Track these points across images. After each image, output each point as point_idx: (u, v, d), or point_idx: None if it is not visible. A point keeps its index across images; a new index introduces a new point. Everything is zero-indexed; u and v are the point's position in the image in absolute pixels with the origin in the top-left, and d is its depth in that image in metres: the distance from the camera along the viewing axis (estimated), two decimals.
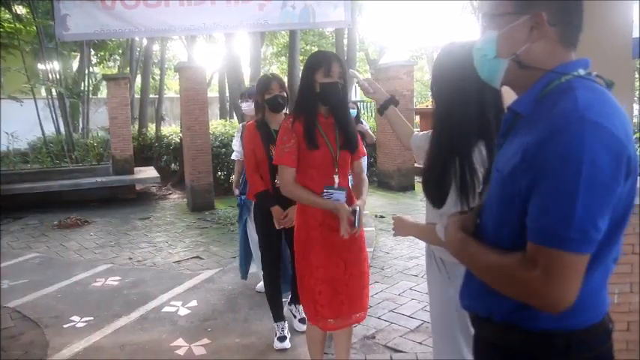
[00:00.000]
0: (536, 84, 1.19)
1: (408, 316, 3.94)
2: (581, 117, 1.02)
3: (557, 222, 1.02)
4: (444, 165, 1.74)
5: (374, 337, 3.61)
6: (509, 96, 1.35)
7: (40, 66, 11.86)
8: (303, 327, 3.54)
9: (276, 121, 3.35)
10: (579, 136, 1.00)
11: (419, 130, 11.65)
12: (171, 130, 13.60)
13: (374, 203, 8.72)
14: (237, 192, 4.56)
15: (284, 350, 3.45)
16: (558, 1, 1.17)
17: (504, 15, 1.21)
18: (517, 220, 1.14)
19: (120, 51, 16.15)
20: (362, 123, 6.81)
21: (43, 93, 12.04)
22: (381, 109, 2.41)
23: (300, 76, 2.77)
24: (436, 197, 1.79)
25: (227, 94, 15.14)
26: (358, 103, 15.68)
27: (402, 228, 2.05)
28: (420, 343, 3.49)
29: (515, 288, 1.11)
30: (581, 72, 1.15)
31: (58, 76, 11.11)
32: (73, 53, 13.81)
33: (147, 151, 13.02)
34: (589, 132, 1.00)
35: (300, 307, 3.66)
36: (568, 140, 1.01)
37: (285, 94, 3.37)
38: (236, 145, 4.59)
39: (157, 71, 18.24)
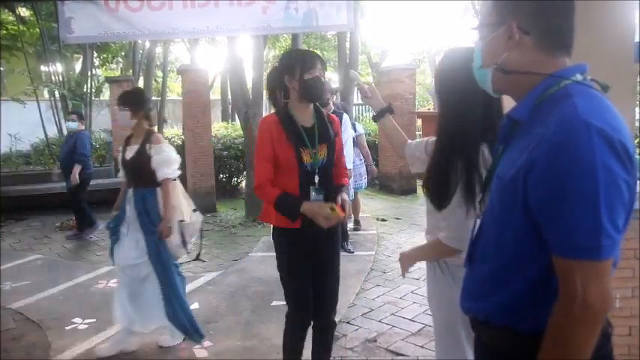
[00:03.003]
0: (532, 91, 1.20)
1: (410, 320, 3.94)
2: (586, 124, 1.03)
3: (587, 233, 1.03)
4: (447, 167, 1.76)
5: (375, 341, 3.61)
6: (509, 103, 1.36)
7: (43, 68, 11.89)
8: None
9: (305, 117, 2.57)
10: (589, 143, 1.02)
11: (421, 133, 11.68)
12: (173, 132, 13.58)
13: (375, 206, 8.72)
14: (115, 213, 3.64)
15: None
16: (530, 8, 1.18)
17: (487, 26, 1.25)
18: (519, 225, 1.15)
19: (123, 53, 16.18)
20: (354, 127, 6.63)
21: (46, 95, 12.08)
22: (377, 117, 2.40)
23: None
24: (439, 199, 1.81)
25: (229, 97, 15.18)
26: (353, 107, 15.64)
27: (407, 260, 2.07)
28: (422, 346, 3.49)
29: (578, 324, 1.06)
30: (579, 77, 1.16)
31: (60, 78, 11.13)
32: (75, 55, 13.84)
33: None
34: (596, 138, 1.02)
35: None
36: (579, 149, 1.02)
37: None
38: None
39: (159, 73, 18.26)
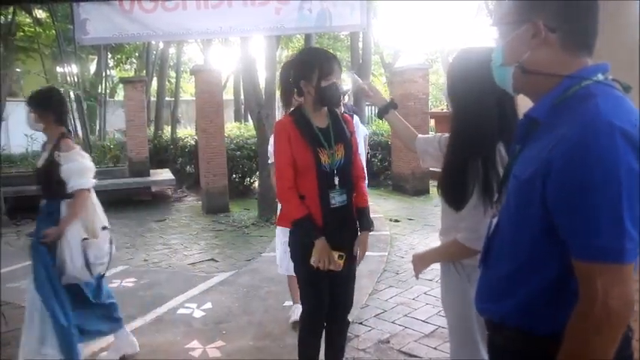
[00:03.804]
0: (553, 90, 1.18)
1: (423, 321, 3.91)
2: (609, 124, 1.01)
3: (609, 236, 1.01)
4: (464, 168, 1.74)
5: (388, 342, 3.60)
6: (524, 102, 1.35)
7: (59, 69, 12.04)
8: None
9: (320, 118, 2.52)
10: (612, 143, 1.00)
11: (434, 133, 11.63)
12: (186, 132, 13.72)
13: (388, 207, 8.69)
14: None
15: None
16: (557, 7, 1.16)
17: (509, 24, 1.23)
18: (536, 226, 1.14)
19: (137, 54, 16.34)
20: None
21: None
22: (381, 113, 2.40)
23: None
24: (456, 199, 1.79)
25: (242, 97, 15.22)
26: (365, 107, 15.55)
27: (420, 262, 2.06)
28: (435, 348, 3.46)
29: (599, 329, 1.04)
30: (600, 77, 1.14)
31: (76, 79, 11.26)
32: (90, 56, 14.00)
33: (162, 154, 13.13)
34: (620, 138, 1.00)
35: None
36: (602, 149, 1.00)
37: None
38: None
39: (173, 74, 18.40)
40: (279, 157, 2.46)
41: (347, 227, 2.54)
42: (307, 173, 2.42)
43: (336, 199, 2.46)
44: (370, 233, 2.66)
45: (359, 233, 2.63)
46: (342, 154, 2.50)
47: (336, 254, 2.41)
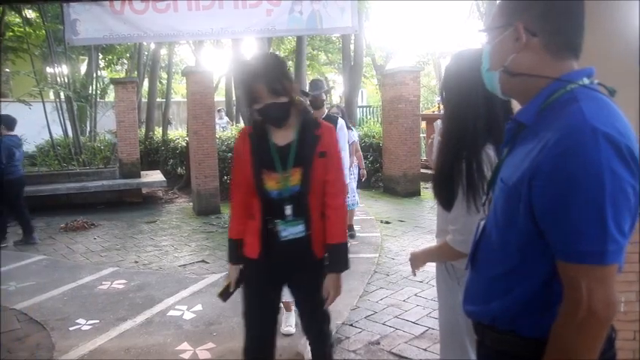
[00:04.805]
0: (539, 94, 1.19)
1: (413, 323, 3.93)
2: (592, 129, 1.03)
3: (593, 238, 1.02)
4: (451, 166, 1.77)
5: (378, 343, 3.60)
6: (517, 106, 1.36)
7: (49, 69, 11.97)
8: None
9: (282, 134, 2.17)
10: (596, 148, 1.01)
11: (424, 135, 11.67)
12: (177, 134, 13.66)
13: (379, 209, 8.71)
14: None
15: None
16: (537, 11, 1.17)
17: (495, 29, 1.25)
18: (523, 230, 1.15)
19: (128, 55, 16.25)
20: (351, 129, 6.33)
21: (52, 96, 12.14)
22: None
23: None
24: (445, 199, 1.82)
25: (234, 99, 15.20)
26: (357, 109, 15.48)
27: (417, 260, 2.08)
28: (425, 349, 3.48)
29: (583, 330, 1.05)
30: (585, 81, 1.15)
31: (66, 80, 11.19)
32: (81, 57, 13.93)
33: (153, 155, 13.07)
34: (603, 143, 1.01)
35: None
36: (586, 154, 1.02)
37: (288, 100, 2.08)
38: None
39: (164, 75, 18.32)
40: (233, 168, 2.33)
41: (304, 263, 2.21)
42: (254, 195, 2.16)
43: (289, 230, 2.13)
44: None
45: (327, 273, 2.23)
46: (299, 179, 2.12)
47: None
